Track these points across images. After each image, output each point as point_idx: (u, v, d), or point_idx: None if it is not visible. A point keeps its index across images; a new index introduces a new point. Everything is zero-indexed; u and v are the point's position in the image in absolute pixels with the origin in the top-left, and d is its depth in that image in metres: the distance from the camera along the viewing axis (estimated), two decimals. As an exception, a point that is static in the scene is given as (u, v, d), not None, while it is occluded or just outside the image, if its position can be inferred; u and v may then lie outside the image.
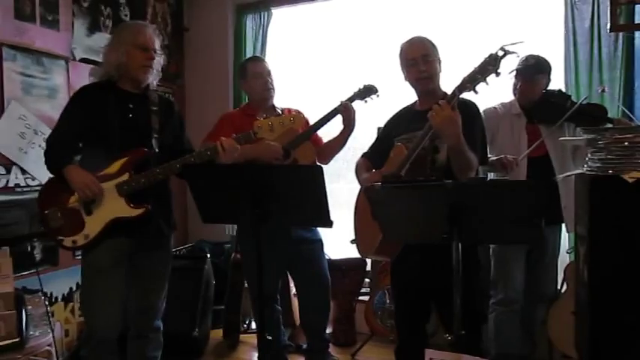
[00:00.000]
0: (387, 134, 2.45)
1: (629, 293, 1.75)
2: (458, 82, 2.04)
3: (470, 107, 2.25)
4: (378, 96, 2.94)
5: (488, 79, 1.94)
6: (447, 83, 2.25)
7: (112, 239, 2.33)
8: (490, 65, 1.93)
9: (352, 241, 2.49)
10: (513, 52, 1.91)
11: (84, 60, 3.46)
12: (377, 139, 2.54)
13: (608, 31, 2.67)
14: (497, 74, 1.93)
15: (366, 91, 2.93)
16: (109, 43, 2.47)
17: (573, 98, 2.95)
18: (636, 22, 2.78)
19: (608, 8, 2.55)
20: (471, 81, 1.97)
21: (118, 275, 2.37)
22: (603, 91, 2.96)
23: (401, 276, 2.36)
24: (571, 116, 2.75)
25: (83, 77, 3.34)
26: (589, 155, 1.83)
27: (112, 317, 2.36)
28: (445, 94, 2.19)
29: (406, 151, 2.20)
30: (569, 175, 2.45)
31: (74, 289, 3.35)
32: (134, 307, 2.49)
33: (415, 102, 2.43)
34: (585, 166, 1.86)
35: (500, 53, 1.91)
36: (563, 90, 3.06)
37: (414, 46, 2.32)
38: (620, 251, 1.74)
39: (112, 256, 2.34)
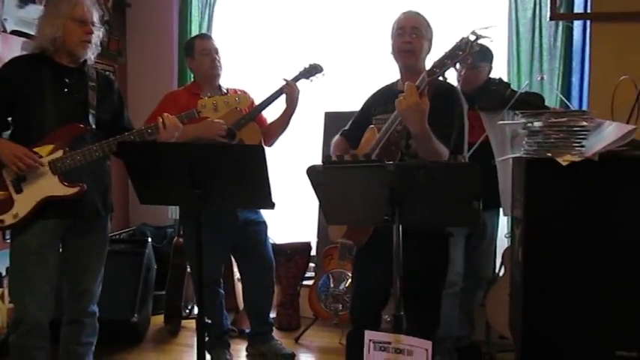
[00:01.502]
0: (366, 112, 2.35)
1: (562, 274, 1.81)
2: (427, 66, 1.96)
3: (449, 92, 2.17)
4: (323, 75, 2.94)
5: (457, 64, 1.87)
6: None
7: (44, 220, 2.23)
8: (460, 50, 1.84)
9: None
10: (486, 37, 1.82)
11: (15, 32, 3.27)
12: (355, 116, 2.43)
13: (548, 19, 2.74)
14: (467, 59, 1.88)
15: (312, 70, 2.93)
16: (44, 14, 2.36)
17: (514, 87, 3.02)
18: (575, 12, 2.88)
19: (549, -1, 2.62)
20: (440, 66, 1.89)
21: (50, 257, 2.27)
22: (542, 79, 3.06)
23: (364, 262, 2.30)
24: (511, 104, 2.82)
25: (14, 51, 3.16)
26: (526, 139, 1.88)
27: (43, 302, 2.26)
28: None
29: (378, 133, 2.13)
30: (506, 159, 2.50)
31: (4, 274, 3.19)
32: (68, 292, 2.40)
33: (397, 81, 2.31)
34: (522, 149, 1.91)
35: (472, 37, 1.82)
36: (505, 79, 3.14)
37: (407, 17, 2.21)
38: (554, 233, 1.80)
39: (43, 238, 2.24)
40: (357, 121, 2.40)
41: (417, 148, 2.04)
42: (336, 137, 2.45)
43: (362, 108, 2.41)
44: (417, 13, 2.23)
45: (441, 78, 1.91)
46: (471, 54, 1.86)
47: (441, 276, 2.22)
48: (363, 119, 2.33)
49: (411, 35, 2.15)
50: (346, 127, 2.45)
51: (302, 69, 2.94)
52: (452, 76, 1.94)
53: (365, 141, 2.22)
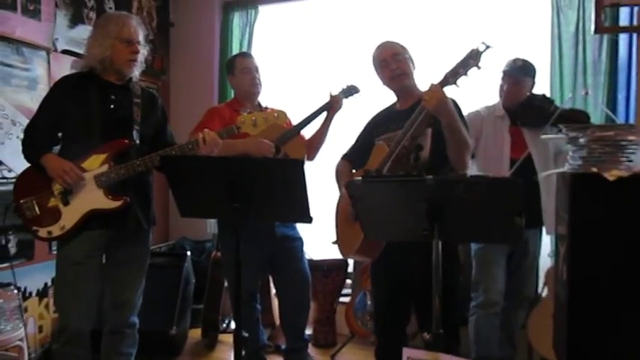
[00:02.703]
0: (368, 134, 2.46)
1: (608, 293, 1.74)
2: (440, 77, 2.08)
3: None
4: (360, 95, 2.98)
5: (469, 72, 2.01)
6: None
7: (89, 231, 2.28)
8: (471, 59, 1.99)
9: (334, 242, 2.46)
10: (492, 47, 1.99)
11: (66, 52, 3.41)
12: (357, 139, 2.55)
13: (593, 32, 2.68)
14: (479, 68, 2.00)
15: (351, 90, 3.02)
16: (92, 35, 2.43)
17: (557, 102, 2.96)
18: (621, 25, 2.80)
19: (593, 12, 2.56)
20: (453, 75, 2.03)
21: (93, 268, 2.33)
22: (586, 93, 2.98)
23: (380, 276, 2.35)
24: (554, 121, 2.76)
25: (65, 69, 3.30)
26: (570, 153, 1.83)
27: (86, 311, 2.31)
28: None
29: (387, 149, 2.21)
30: (550, 174, 2.45)
31: (49, 284, 3.28)
32: (109, 302, 2.44)
33: (395, 103, 2.45)
34: (567, 164, 1.86)
35: (482, 47, 1.99)
36: (548, 94, 3.08)
37: (383, 48, 2.38)
38: (600, 250, 1.73)
39: (88, 249, 2.30)
40: (358, 144, 2.53)
41: (449, 141, 2.11)
42: (339, 161, 2.57)
43: (363, 131, 2.53)
44: (391, 42, 2.39)
45: (454, 86, 2.05)
46: (479, 62, 2.00)
47: (452, 283, 2.17)
48: (365, 142, 2.45)
49: (395, 62, 2.31)
50: (347, 151, 2.57)
51: (341, 88, 3.00)
52: (463, 85, 2.07)
53: (374, 156, 2.30)
